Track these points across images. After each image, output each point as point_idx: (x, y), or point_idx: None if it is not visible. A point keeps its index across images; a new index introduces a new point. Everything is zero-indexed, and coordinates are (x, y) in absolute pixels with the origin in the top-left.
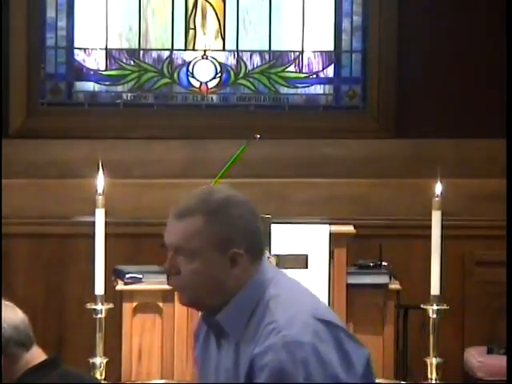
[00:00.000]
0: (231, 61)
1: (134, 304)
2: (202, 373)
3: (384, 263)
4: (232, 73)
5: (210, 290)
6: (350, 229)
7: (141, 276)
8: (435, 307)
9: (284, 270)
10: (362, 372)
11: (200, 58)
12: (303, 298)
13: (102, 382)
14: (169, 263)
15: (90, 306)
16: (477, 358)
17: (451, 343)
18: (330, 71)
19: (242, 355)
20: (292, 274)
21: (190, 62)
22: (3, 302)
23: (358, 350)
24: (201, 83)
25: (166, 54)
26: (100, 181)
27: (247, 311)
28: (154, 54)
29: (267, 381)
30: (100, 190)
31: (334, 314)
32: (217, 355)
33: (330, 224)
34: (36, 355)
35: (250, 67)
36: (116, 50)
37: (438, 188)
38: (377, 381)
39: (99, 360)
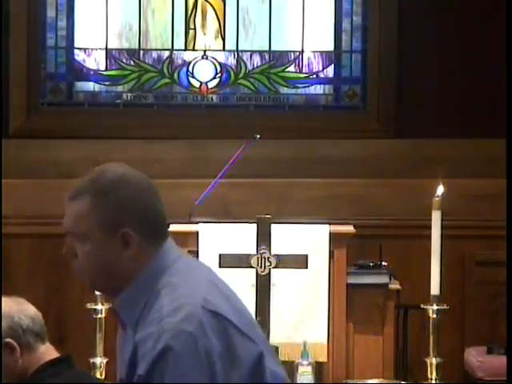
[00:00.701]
0: (231, 61)
1: None
2: (117, 364)
3: (384, 263)
4: (232, 73)
5: (106, 272)
6: (349, 229)
7: None
8: (435, 307)
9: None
10: (250, 368)
11: (200, 58)
12: (198, 287)
13: (106, 382)
14: (65, 247)
15: (90, 305)
16: (477, 358)
17: (451, 343)
18: (329, 71)
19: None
20: (292, 274)
21: (189, 62)
22: (15, 298)
23: (248, 346)
24: (201, 83)
25: (166, 54)
26: None
27: (142, 298)
28: (154, 54)
29: (146, 369)
30: None
31: (233, 307)
32: (123, 343)
33: (329, 224)
34: (51, 350)
35: (249, 67)
36: (116, 49)
37: (440, 189)
38: (377, 381)
39: (99, 360)
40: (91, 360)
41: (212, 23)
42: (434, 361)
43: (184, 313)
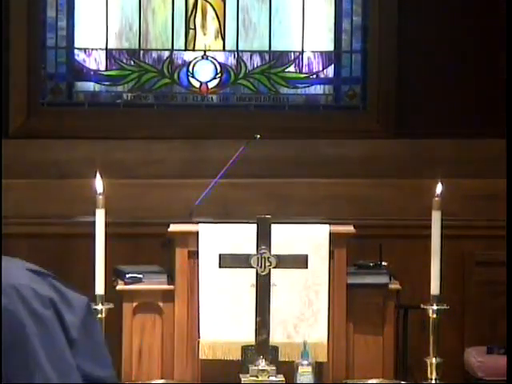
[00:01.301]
0: (231, 61)
1: (134, 304)
2: None
3: (384, 263)
4: (232, 73)
5: None
6: (349, 229)
7: (141, 276)
8: (435, 307)
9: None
10: (83, 315)
11: (200, 58)
12: (14, 260)
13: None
14: None
15: None
16: (477, 358)
17: (451, 343)
18: (329, 71)
19: None
20: (292, 274)
21: (190, 62)
22: None
23: (76, 296)
24: (201, 83)
25: (166, 54)
26: (99, 181)
27: None
28: (154, 54)
29: None
30: (100, 190)
31: None
32: None
33: (329, 224)
34: None
35: (250, 67)
36: (116, 50)
37: (438, 188)
38: (377, 381)
39: None
40: None
41: (212, 23)
42: (433, 361)
43: (11, 273)
